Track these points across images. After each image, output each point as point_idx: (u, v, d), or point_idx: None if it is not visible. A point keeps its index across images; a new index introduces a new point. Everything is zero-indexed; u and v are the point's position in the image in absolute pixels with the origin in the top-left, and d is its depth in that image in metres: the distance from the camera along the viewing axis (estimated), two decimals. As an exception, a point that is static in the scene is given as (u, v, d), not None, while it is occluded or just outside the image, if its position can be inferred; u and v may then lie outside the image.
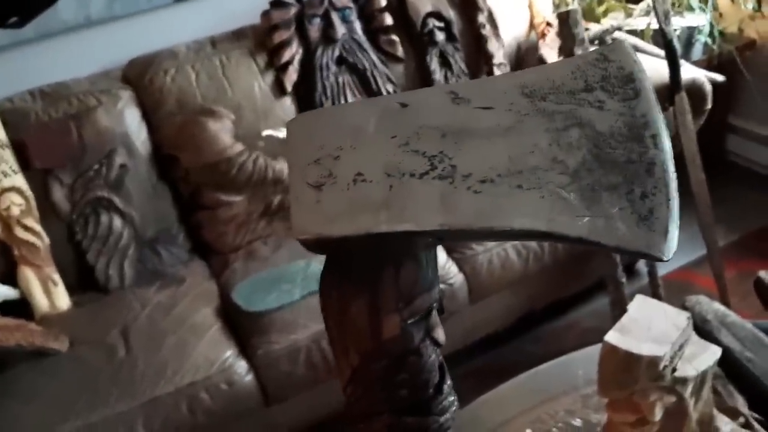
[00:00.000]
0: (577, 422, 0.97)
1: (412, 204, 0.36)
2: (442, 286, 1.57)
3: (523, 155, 0.37)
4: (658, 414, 0.81)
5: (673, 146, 1.66)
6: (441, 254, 1.62)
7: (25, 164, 1.65)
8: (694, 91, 1.68)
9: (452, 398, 0.32)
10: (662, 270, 1.79)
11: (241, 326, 1.52)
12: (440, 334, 0.33)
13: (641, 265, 1.94)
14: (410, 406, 0.27)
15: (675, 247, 0.35)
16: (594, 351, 0.83)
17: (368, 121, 0.39)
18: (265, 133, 1.78)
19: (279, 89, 1.82)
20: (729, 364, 0.92)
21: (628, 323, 0.83)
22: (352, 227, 0.35)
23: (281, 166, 1.76)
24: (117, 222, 1.71)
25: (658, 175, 0.37)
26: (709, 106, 1.72)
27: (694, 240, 1.91)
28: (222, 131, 1.75)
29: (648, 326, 0.81)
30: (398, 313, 0.27)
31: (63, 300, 1.64)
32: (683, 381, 0.79)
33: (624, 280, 1.69)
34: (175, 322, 1.51)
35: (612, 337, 0.81)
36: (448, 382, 0.32)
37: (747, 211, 2.16)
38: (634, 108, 0.39)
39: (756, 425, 0.85)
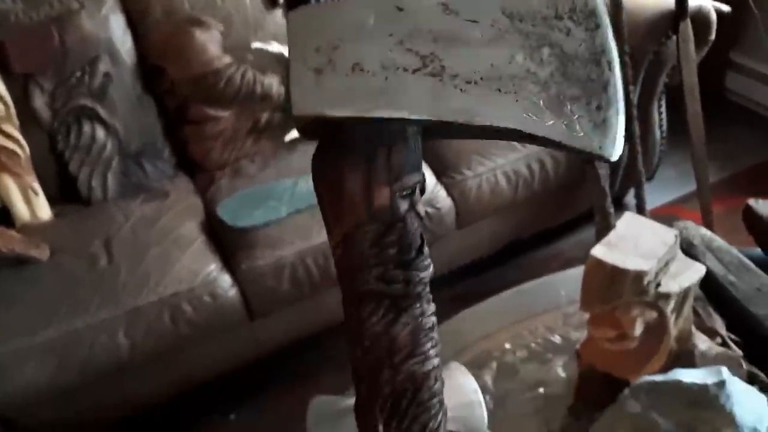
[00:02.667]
0: (557, 339, 0.98)
1: (405, 94, 0.40)
2: (429, 209, 1.56)
3: (502, 64, 0.43)
4: (638, 329, 0.81)
5: (673, 76, 1.62)
6: (430, 178, 1.60)
7: (4, 68, 1.59)
8: (700, 19, 1.63)
9: (429, 261, 0.37)
10: (651, 204, 1.79)
11: (226, 241, 1.51)
12: (421, 209, 0.38)
13: (630, 199, 1.93)
14: (396, 263, 0.32)
15: (621, 151, 0.45)
16: (578, 273, 0.83)
17: (367, 19, 0.43)
18: (255, 45, 1.72)
19: (271, 0, 1.75)
20: (711, 287, 0.93)
21: (616, 239, 0.82)
22: (350, 110, 0.38)
23: (270, 81, 1.71)
24: (100, 132, 1.67)
25: (611, 93, 0.45)
26: (713, 36, 1.67)
27: (685, 177, 1.91)
28: (210, 42, 1.69)
29: (635, 242, 0.80)
30: (389, 186, 0.32)
31: (44, 210, 1.61)
32: (666, 297, 0.79)
33: (612, 211, 1.68)
34: (158, 235, 1.50)
35: (598, 251, 0.80)
36: (426, 248, 0.36)
37: (741, 150, 2.15)
38: (595, 38, 0.46)
39: (732, 345, 0.85)
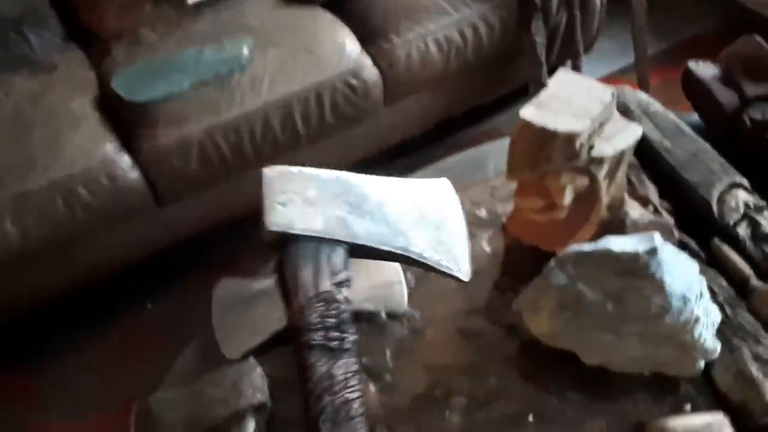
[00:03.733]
0: (482, 213, 0.91)
1: (333, 224, 0.54)
2: (354, 81, 1.44)
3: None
4: (567, 198, 0.75)
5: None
6: (355, 45, 1.46)
7: None
8: None
9: (355, 329, 0.47)
10: (587, 75, 1.71)
11: (124, 119, 1.35)
12: (350, 294, 0.49)
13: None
14: (333, 328, 0.44)
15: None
16: (507, 144, 0.74)
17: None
18: None
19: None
20: (645, 153, 0.86)
21: (547, 98, 0.73)
22: (301, 229, 0.53)
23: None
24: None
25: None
26: None
27: (623, 49, 1.82)
28: None
29: (568, 101, 0.72)
30: (329, 279, 0.45)
31: None
32: (599, 161, 0.72)
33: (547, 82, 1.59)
34: (45, 113, 1.33)
35: (527, 112, 0.71)
36: (352, 322, 0.47)
37: (681, 21, 2.06)
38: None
39: (664, 213, 0.80)
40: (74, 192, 1.25)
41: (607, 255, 0.64)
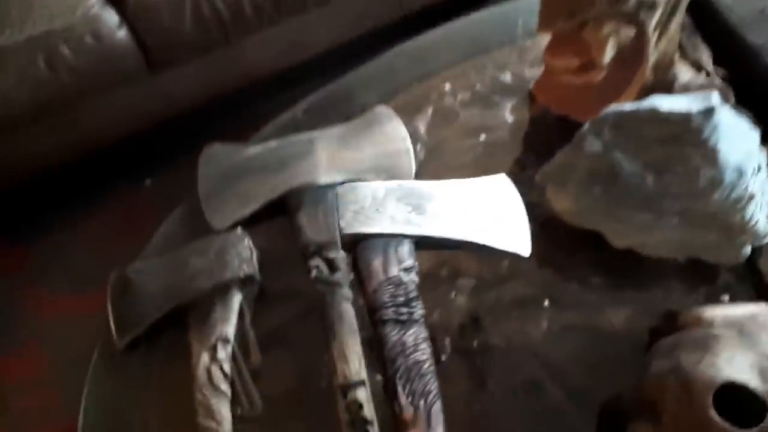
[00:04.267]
0: (507, 78, 0.80)
1: (398, 223, 0.57)
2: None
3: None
4: (608, 54, 0.63)
5: None
6: None
7: None
8: None
9: (421, 304, 0.52)
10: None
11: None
12: (415, 278, 0.54)
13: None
14: (402, 305, 0.50)
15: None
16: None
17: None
18: None
19: None
20: (699, 9, 0.73)
21: (595, -73, 0.60)
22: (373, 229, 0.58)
23: None
24: None
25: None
26: None
27: None
28: None
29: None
30: (397, 266, 0.51)
31: None
32: (650, 5, 0.60)
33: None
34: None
35: (569, -58, 0.58)
36: (419, 298, 0.52)
37: None
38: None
39: (718, 79, 0.68)
40: (56, 51, 1.14)
41: (653, 116, 0.54)
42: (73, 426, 0.59)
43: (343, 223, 0.53)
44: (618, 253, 0.61)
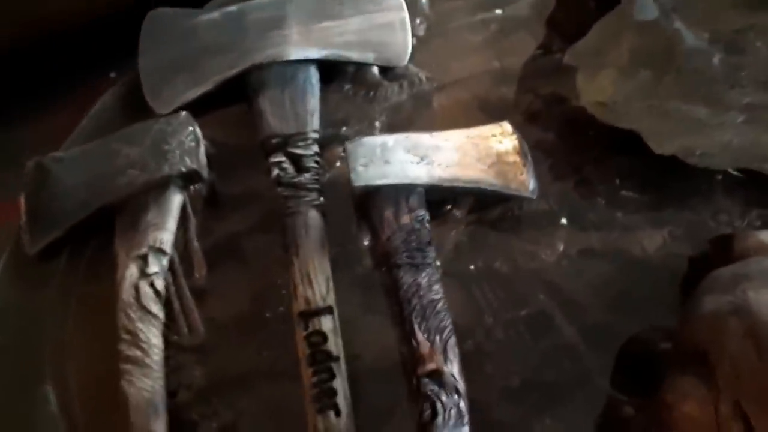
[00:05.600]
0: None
1: (407, 173, 0.55)
2: None
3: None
4: None
5: None
6: None
7: None
8: None
9: (433, 248, 0.51)
10: None
11: None
12: (427, 225, 0.53)
13: None
14: (415, 250, 0.50)
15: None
16: None
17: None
18: None
19: None
20: None
21: None
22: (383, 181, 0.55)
23: None
24: None
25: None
26: None
27: None
28: None
29: None
30: (409, 215, 0.50)
31: None
32: None
33: None
34: None
35: None
36: (432, 243, 0.51)
37: None
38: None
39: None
40: None
41: None
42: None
43: (353, 176, 0.51)
44: (657, 162, 0.49)
